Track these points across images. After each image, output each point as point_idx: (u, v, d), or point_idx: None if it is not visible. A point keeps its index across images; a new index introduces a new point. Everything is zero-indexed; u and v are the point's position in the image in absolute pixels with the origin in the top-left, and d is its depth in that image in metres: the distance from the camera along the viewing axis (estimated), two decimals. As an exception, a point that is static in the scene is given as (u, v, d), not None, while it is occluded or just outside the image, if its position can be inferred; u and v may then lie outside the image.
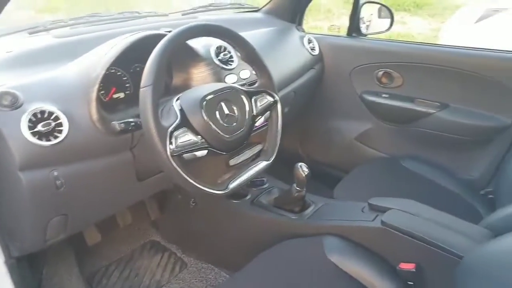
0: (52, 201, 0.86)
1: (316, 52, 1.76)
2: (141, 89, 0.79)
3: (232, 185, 0.93)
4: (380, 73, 1.70)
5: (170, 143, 0.79)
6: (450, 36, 4.35)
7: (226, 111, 0.88)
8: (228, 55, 1.17)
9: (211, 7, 1.82)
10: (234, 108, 0.90)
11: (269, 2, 1.87)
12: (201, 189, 0.84)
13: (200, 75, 1.09)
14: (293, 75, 1.60)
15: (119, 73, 1.03)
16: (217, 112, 0.87)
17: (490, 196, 1.43)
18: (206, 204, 1.34)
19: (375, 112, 1.76)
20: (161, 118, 0.82)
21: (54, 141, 0.81)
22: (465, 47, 1.56)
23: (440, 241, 0.92)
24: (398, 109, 1.67)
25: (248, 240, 1.26)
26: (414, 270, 0.94)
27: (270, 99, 1.01)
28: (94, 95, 0.86)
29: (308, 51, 1.72)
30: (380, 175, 1.48)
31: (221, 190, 0.90)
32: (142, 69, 0.93)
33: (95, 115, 0.86)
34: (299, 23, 1.86)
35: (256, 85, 1.03)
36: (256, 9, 1.93)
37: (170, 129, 0.80)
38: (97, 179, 0.94)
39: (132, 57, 0.96)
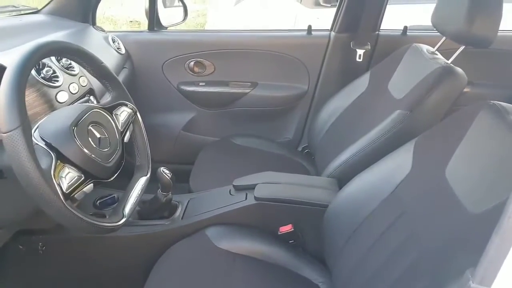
0: None
1: (123, 51, 1.68)
2: (5, 135, 0.62)
3: (127, 211, 0.85)
4: (192, 63, 1.77)
5: (59, 187, 0.66)
6: (216, 17, 4.79)
7: (98, 135, 0.79)
8: (51, 71, 1.01)
9: (-26, 13, 1.47)
10: (103, 129, 0.82)
11: (51, 1, 1.65)
12: (105, 227, 0.75)
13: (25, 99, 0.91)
14: None
15: None
16: (89, 139, 0.77)
17: (307, 150, 1.76)
18: (59, 244, 1.15)
19: (195, 101, 1.84)
20: None
21: None
22: (261, 30, 1.81)
23: (307, 198, 1.10)
24: (216, 94, 1.80)
25: (132, 264, 1.16)
26: (292, 230, 1.11)
27: (129, 110, 0.95)
28: None
29: (116, 50, 1.62)
30: (222, 157, 1.59)
31: (120, 220, 0.82)
32: None
33: None
34: (94, 22, 1.72)
35: (110, 99, 0.94)
36: (35, 10, 1.67)
37: (52, 171, 0.66)
38: None
39: None
